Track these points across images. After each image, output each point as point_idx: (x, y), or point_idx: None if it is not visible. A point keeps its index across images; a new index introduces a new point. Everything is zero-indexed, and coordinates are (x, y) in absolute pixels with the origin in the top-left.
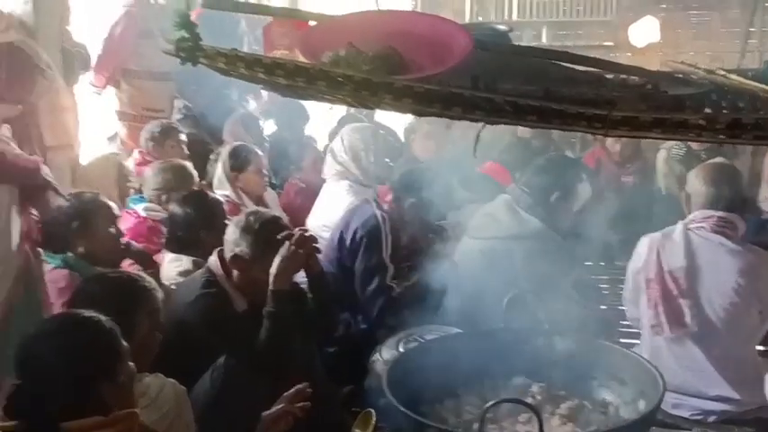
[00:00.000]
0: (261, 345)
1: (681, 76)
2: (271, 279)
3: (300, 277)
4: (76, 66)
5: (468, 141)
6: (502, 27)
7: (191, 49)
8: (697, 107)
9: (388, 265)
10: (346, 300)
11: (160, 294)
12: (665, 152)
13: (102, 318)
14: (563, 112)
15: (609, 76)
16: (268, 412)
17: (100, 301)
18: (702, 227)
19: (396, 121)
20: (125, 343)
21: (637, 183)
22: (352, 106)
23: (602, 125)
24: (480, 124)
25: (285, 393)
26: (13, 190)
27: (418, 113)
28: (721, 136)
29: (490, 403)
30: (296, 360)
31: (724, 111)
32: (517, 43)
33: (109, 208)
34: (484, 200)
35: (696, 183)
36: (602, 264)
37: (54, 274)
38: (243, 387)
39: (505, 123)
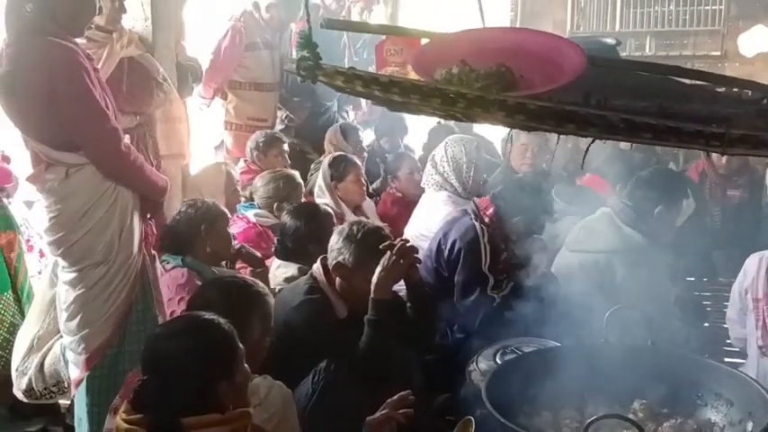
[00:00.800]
0: (361, 351)
1: None
2: (372, 287)
3: (399, 286)
4: (190, 79)
5: (564, 152)
6: (609, 40)
7: (311, 68)
8: None
9: (488, 275)
10: (443, 309)
11: (272, 300)
12: None
13: (222, 320)
14: (679, 130)
15: (720, 89)
16: (372, 417)
17: (217, 304)
18: None
19: (493, 131)
20: (241, 345)
21: (744, 197)
22: (462, 121)
23: (720, 143)
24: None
25: (389, 399)
26: (136, 197)
27: (531, 129)
28: None
29: (593, 418)
30: (395, 367)
31: None
32: (621, 55)
33: (225, 214)
34: (583, 212)
35: None
36: (705, 280)
37: (174, 272)
38: (343, 391)
39: (619, 140)
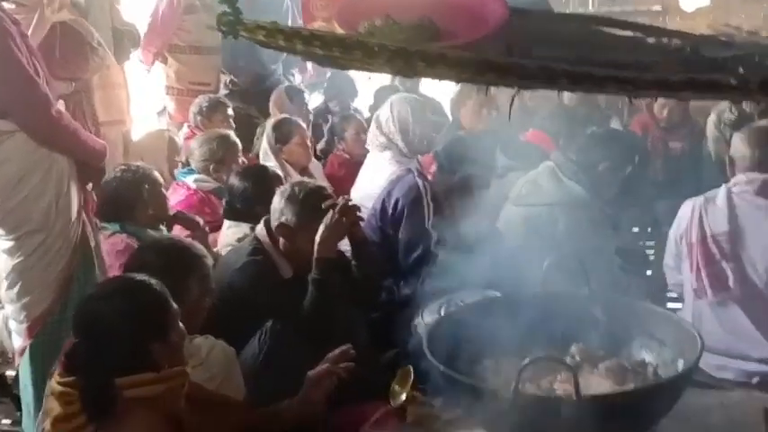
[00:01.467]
0: (306, 310)
1: (724, 39)
2: (315, 247)
3: (344, 245)
4: (126, 44)
5: (513, 111)
6: None
7: (231, 23)
8: (735, 69)
9: (431, 232)
10: (389, 267)
11: (209, 261)
12: (716, 116)
13: (154, 281)
14: (593, 75)
15: (651, 40)
16: (313, 371)
17: (153, 267)
18: (746, 190)
19: (442, 93)
20: (175, 305)
21: (685, 148)
22: (394, 74)
23: (634, 87)
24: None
25: (329, 354)
26: (72, 163)
27: (455, 80)
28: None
29: (526, 361)
30: (340, 325)
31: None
32: (564, 9)
33: (159, 177)
34: (527, 168)
35: (741, 145)
36: (649, 230)
37: (113, 238)
38: (289, 351)
39: (539, 88)
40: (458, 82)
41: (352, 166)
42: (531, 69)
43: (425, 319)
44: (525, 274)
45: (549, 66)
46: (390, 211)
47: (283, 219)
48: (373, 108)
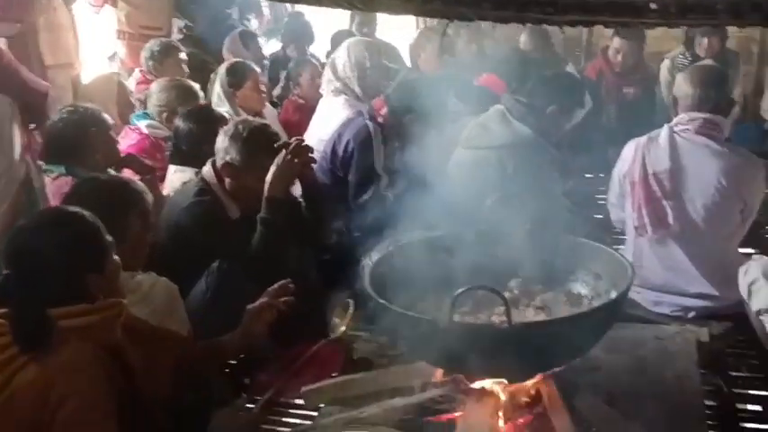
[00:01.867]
0: (254, 250)
1: None
2: (266, 186)
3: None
4: None
5: (470, 56)
6: None
7: None
8: None
9: (381, 174)
10: (339, 209)
11: (149, 197)
12: (669, 61)
13: (87, 213)
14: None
15: None
16: (252, 305)
17: (92, 202)
18: (688, 129)
19: (401, 39)
20: (110, 237)
21: (638, 93)
22: (349, 8)
23: (555, 10)
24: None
25: (269, 288)
26: (14, 104)
27: (401, 12)
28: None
29: (460, 290)
30: (289, 265)
31: None
32: None
33: (108, 119)
34: (480, 111)
35: (683, 85)
36: (602, 175)
37: (59, 181)
38: (236, 289)
39: (465, 13)
40: (401, 14)
41: (307, 112)
42: None
43: (373, 260)
44: (473, 215)
45: None
46: (341, 153)
47: (228, 158)
48: (330, 53)
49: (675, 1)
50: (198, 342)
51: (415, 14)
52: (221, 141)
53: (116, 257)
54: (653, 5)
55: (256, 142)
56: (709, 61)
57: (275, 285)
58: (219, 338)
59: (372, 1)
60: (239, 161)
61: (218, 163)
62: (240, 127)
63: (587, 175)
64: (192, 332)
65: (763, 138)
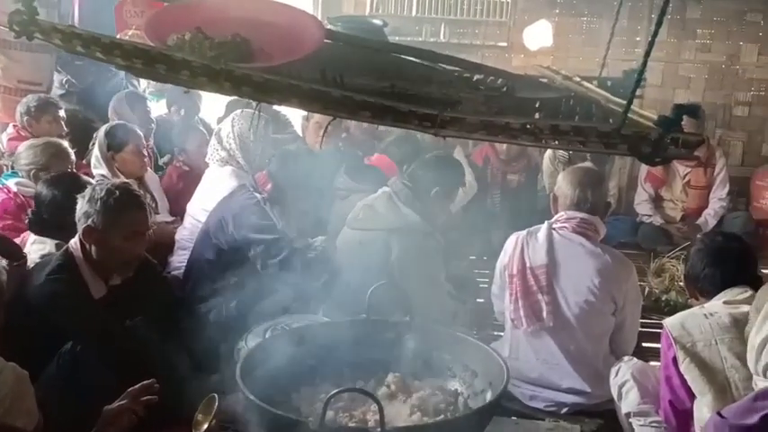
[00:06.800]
0: (117, 338)
1: (545, 80)
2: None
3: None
4: None
5: (362, 132)
6: (377, 21)
7: (25, 23)
8: (549, 111)
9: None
10: (219, 286)
11: (3, 277)
12: (552, 152)
13: None
14: (395, 110)
15: (478, 76)
16: (109, 407)
17: None
18: (565, 227)
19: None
20: None
21: (522, 181)
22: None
23: (432, 124)
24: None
25: (130, 389)
26: None
27: (261, 101)
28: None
29: (332, 393)
30: (153, 351)
31: (577, 116)
32: (417, 38)
33: None
34: (369, 191)
35: (563, 185)
36: (485, 258)
37: None
38: (91, 375)
39: (343, 117)
40: (263, 102)
41: (192, 179)
42: (336, 98)
43: (249, 344)
44: (356, 300)
45: (352, 97)
46: (232, 227)
47: (90, 222)
48: (222, 119)
49: (550, 125)
50: None
51: (298, 108)
52: (80, 207)
53: None
54: (528, 126)
55: (116, 200)
56: (588, 163)
57: (137, 387)
58: None
59: (263, 91)
60: (100, 222)
61: (80, 229)
62: (98, 189)
63: (471, 257)
64: (43, 423)
65: (635, 229)
